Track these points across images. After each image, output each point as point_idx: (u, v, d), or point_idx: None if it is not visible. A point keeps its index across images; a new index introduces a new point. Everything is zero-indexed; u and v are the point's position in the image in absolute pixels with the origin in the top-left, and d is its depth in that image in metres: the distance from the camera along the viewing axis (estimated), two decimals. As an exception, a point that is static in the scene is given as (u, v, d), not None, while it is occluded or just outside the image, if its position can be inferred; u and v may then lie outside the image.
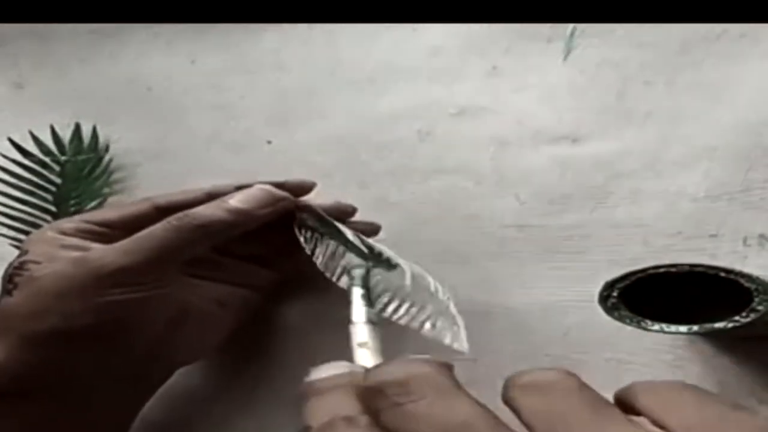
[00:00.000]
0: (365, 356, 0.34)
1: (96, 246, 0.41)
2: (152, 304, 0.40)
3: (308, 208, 0.44)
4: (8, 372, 0.39)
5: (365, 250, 0.42)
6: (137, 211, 0.43)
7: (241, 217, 0.42)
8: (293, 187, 0.45)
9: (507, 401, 0.23)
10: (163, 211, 0.43)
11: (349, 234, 0.43)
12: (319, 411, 0.23)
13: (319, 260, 0.42)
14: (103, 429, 0.42)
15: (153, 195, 0.44)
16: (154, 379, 0.44)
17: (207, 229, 0.41)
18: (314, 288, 0.48)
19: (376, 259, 0.42)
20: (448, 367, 0.24)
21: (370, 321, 0.37)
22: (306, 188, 0.46)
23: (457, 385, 0.23)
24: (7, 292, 0.40)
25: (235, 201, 0.42)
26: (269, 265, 0.47)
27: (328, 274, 0.42)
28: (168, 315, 0.42)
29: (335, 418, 0.22)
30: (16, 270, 0.40)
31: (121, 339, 0.40)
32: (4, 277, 0.41)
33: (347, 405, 0.23)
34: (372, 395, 0.22)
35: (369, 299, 0.38)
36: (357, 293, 0.39)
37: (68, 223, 0.43)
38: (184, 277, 0.43)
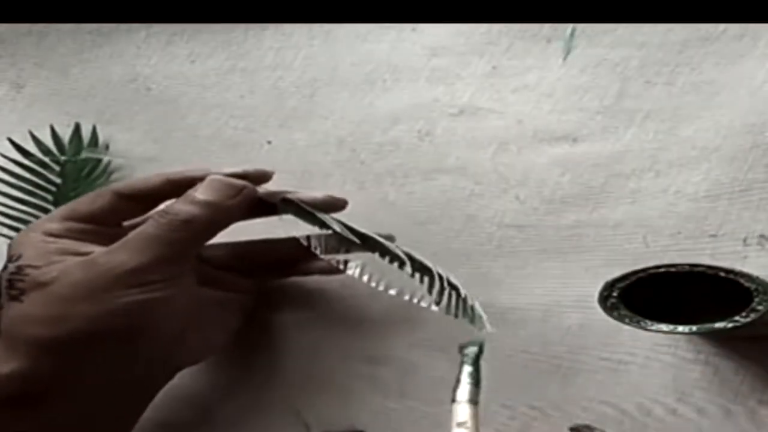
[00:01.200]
0: None
1: (95, 248, 0.41)
2: (166, 303, 0.40)
3: (289, 201, 0.44)
4: (23, 379, 0.38)
5: (356, 239, 0.43)
6: (103, 202, 0.43)
7: (212, 209, 0.41)
8: (254, 176, 0.45)
9: None
10: (128, 199, 0.43)
11: (335, 225, 0.43)
12: None
13: (318, 253, 0.43)
14: (110, 430, 0.42)
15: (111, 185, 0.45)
16: (161, 379, 0.44)
17: (192, 225, 0.41)
18: (311, 289, 0.48)
19: (368, 244, 0.43)
20: None
21: (473, 401, 0.37)
22: (266, 177, 0.46)
23: None
24: (14, 298, 0.39)
25: (200, 194, 0.42)
26: (246, 274, 0.47)
27: (333, 262, 0.42)
28: (180, 315, 0.42)
29: None
30: (15, 275, 0.40)
31: (139, 340, 0.40)
32: (3, 282, 0.40)
33: None
34: None
35: (477, 379, 0.39)
36: (466, 371, 0.39)
37: (50, 223, 0.42)
38: (189, 277, 0.43)
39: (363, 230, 0.43)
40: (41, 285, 0.39)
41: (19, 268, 0.40)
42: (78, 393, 0.39)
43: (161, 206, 0.43)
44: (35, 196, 0.54)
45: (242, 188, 0.43)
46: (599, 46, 0.48)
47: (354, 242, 0.42)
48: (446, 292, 0.42)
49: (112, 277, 0.39)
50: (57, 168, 0.55)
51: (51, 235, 0.41)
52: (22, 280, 0.39)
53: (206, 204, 0.41)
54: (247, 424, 0.48)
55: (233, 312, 0.46)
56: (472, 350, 0.40)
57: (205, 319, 0.44)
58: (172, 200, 0.42)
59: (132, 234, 0.40)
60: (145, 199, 0.44)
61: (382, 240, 0.43)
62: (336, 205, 0.46)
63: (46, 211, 0.54)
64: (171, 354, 0.42)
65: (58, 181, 0.55)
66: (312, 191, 0.45)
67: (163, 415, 0.48)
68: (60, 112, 0.57)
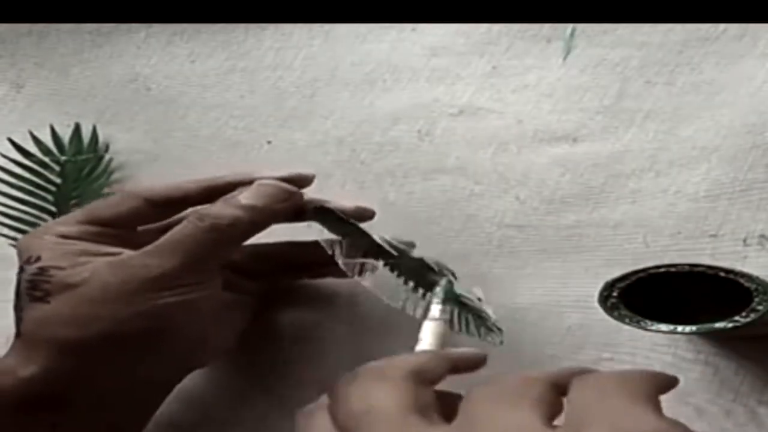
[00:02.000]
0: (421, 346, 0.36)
1: (116, 250, 0.41)
2: (196, 306, 0.40)
3: (326, 210, 0.43)
4: (45, 381, 0.38)
5: (393, 251, 0.43)
6: (130, 207, 0.43)
7: (256, 214, 0.41)
8: (294, 180, 0.45)
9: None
10: (157, 206, 0.43)
11: (375, 236, 0.43)
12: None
13: (339, 260, 0.42)
14: (127, 429, 0.42)
15: (137, 189, 0.44)
16: (176, 379, 0.45)
17: (234, 229, 0.41)
18: (317, 291, 0.48)
19: (404, 259, 0.43)
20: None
21: (441, 319, 0.38)
22: (306, 181, 0.46)
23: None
24: (39, 299, 0.39)
25: (246, 198, 0.41)
26: (261, 276, 0.47)
27: (349, 273, 0.42)
28: (205, 317, 0.42)
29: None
30: (37, 276, 0.39)
31: (164, 342, 0.40)
32: (23, 284, 0.40)
33: None
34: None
35: (446, 300, 0.39)
36: (439, 294, 0.40)
37: (65, 226, 0.42)
38: (217, 279, 0.43)
39: (398, 244, 0.44)
40: (70, 286, 0.39)
41: (42, 270, 0.39)
42: (97, 394, 0.39)
43: (188, 210, 0.43)
44: (35, 196, 0.54)
45: (293, 193, 0.43)
46: (599, 46, 0.48)
47: (391, 255, 0.43)
48: (464, 318, 0.42)
49: (145, 280, 0.39)
50: (57, 168, 0.55)
51: (66, 237, 0.41)
52: (47, 281, 0.39)
53: (252, 208, 0.41)
54: (247, 424, 0.48)
55: (243, 313, 0.46)
56: (444, 287, 0.41)
57: (223, 321, 0.44)
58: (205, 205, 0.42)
59: (168, 236, 0.40)
60: (176, 205, 0.43)
61: (417, 259, 0.43)
62: (365, 215, 0.46)
63: (46, 211, 0.54)
64: (192, 355, 0.43)
65: (58, 181, 0.55)
66: (341, 200, 0.45)
67: (161, 414, 0.49)
68: (60, 112, 0.57)
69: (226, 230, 0.40)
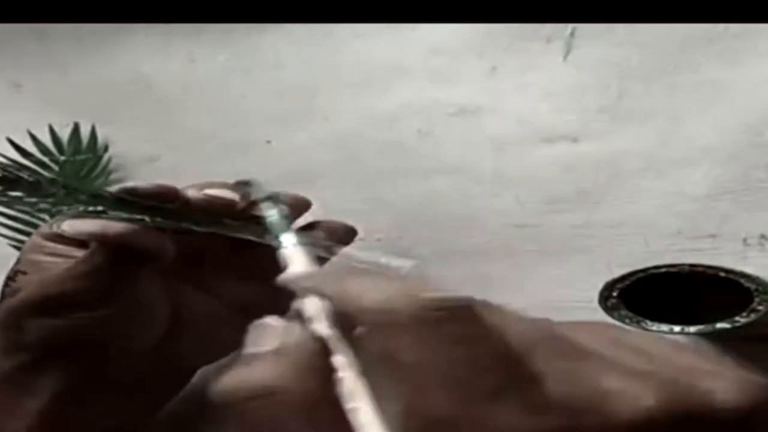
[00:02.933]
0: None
1: (70, 258, 0.41)
2: (123, 319, 0.40)
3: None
4: None
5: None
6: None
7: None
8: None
9: None
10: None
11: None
12: None
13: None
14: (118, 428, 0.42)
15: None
16: (169, 377, 0.44)
17: (129, 249, 0.39)
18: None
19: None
20: None
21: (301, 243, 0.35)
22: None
23: None
24: None
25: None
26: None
27: None
28: (155, 325, 0.41)
29: None
30: (7, 280, 0.40)
31: (110, 350, 0.40)
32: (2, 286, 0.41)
33: None
34: None
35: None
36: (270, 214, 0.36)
37: (49, 228, 0.43)
38: (163, 285, 0.42)
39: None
40: (15, 293, 0.40)
41: (15, 273, 0.40)
42: (78, 394, 0.40)
43: None
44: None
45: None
46: (599, 46, 0.48)
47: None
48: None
49: (49, 299, 0.39)
50: (56, 167, 0.55)
51: (46, 237, 0.42)
52: (9, 286, 0.40)
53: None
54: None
55: (260, 312, 0.45)
56: (263, 190, 0.37)
57: (208, 323, 0.43)
58: None
59: (82, 257, 0.40)
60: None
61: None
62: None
63: (45, 211, 0.54)
64: (167, 353, 0.42)
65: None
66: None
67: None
68: (59, 112, 0.57)
69: (124, 258, 0.39)
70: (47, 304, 0.39)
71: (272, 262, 0.47)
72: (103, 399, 0.41)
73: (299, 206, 0.44)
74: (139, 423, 0.43)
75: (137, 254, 0.41)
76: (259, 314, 0.48)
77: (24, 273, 0.40)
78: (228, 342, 0.47)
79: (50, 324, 0.39)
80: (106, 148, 0.56)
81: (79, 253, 0.42)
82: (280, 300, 0.49)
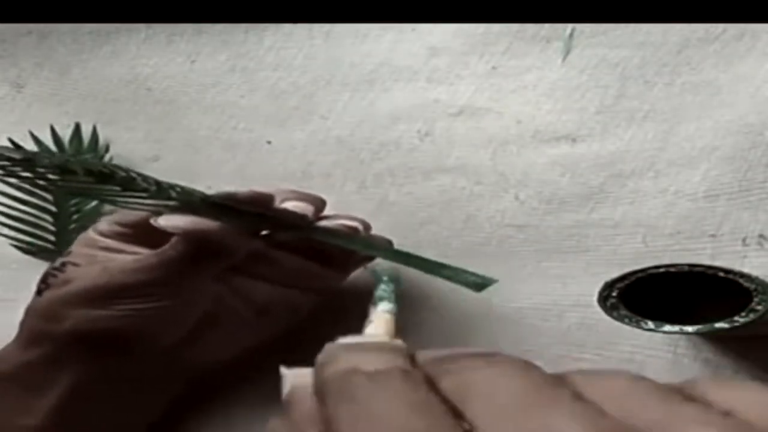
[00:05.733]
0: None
1: (139, 249, 0.42)
2: (169, 314, 0.41)
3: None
4: (38, 365, 0.40)
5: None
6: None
7: (242, 243, 0.41)
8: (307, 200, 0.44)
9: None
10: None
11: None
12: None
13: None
14: (125, 426, 0.43)
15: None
16: (179, 377, 0.45)
17: (211, 247, 0.40)
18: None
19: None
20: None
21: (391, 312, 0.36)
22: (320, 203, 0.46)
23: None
24: (38, 292, 0.42)
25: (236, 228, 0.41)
26: (332, 264, 0.45)
27: None
28: (189, 321, 0.42)
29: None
30: (52, 270, 0.42)
31: (137, 346, 0.41)
32: (41, 278, 0.42)
33: None
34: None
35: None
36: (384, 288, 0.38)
37: (105, 224, 0.44)
38: (212, 285, 0.43)
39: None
40: (65, 282, 0.41)
41: (62, 264, 0.42)
42: (91, 390, 0.41)
43: None
44: (35, 196, 0.54)
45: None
46: (599, 46, 0.48)
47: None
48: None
49: (117, 286, 0.40)
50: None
51: (101, 233, 0.43)
52: (55, 276, 0.41)
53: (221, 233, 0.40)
54: (246, 424, 0.48)
55: (274, 317, 0.44)
56: (388, 272, 0.39)
57: (228, 326, 0.43)
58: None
59: (156, 251, 0.41)
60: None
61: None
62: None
63: (46, 210, 0.54)
64: (178, 359, 0.43)
65: (58, 181, 0.55)
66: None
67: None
68: (60, 112, 0.57)
69: (202, 248, 0.40)
70: (105, 293, 0.40)
71: (299, 269, 0.47)
72: (113, 397, 0.42)
73: (317, 206, 0.45)
74: (145, 422, 0.44)
75: (215, 253, 0.42)
76: (277, 318, 0.49)
77: (76, 264, 0.41)
78: (243, 343, 0.48)
79: (93, 315, 0.40)
80: (107, 149, 0.56)
81: (133, 249, 0.42)
82: (300, 305, 0.49)
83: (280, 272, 0.44)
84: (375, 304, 0.37)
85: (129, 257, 0.41)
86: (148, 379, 0.43)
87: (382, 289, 0.38)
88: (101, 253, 0.42)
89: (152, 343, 0.41)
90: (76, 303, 0.40)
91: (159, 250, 0.41)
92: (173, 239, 0.40)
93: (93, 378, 0.41)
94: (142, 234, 0.42)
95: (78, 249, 0.43)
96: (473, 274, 0.42)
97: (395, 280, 0.40)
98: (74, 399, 0.41)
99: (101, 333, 0.40)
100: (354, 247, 0.43)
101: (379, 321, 0.35)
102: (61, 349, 0.40)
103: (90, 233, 0.44)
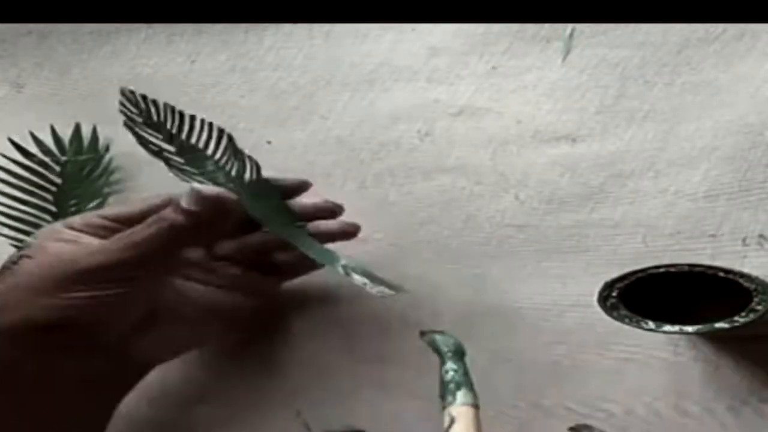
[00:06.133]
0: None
1: (85, 242, 0.41)
2: (121, 303, 0.40)
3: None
4: None
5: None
6: (150, 206, 0.43)
7: (192, 219, 0.41)
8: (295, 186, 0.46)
9: None
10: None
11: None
12: None
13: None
14: (75, 425, 0.42)
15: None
16: (127, 375, 0.45)
17: (173, 231, 0.41)
18: (316, 293, 0.48)
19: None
20: None
21: (474, 405, 0.35)
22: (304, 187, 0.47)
23: None
24: None
25: (184, 201, 0.42)
26: (271, 272, 0.47)
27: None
28: (138, 314, 0.42)
29: None
30: (9, 263, 0.41)
31: (86, 336, 0.40)
32: None
33: None
34: None
35: (470, 380, 0.36)
36: (455, 370, 0.36)
37: (79, 218, 0.43)
38: (165, 278, 0.43)
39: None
40: (16, 274, 0.40)
41: (20, 257, 0.41)
42: (45, 383, 0.40)
43: None
44: (35, 196, 0.54)
45: (216, 197, 0.42)
46: (599, 46, 0.48)
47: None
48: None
49: (66, 274, 0.40)
50: (57, 168, 0.55)
51: (69, 226, 0.42)
52: (10, 268, 0.41)
53: (188, 213, 0.41)
54: (247, 424, 0.48)
55: (223, 316, 0.45)
56: (449, 343, 0.38)
57: (179, 320, 0.44)
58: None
59: (118, 234, 0.41)
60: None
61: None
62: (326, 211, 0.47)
63: (46, 210, 0.54)
64: (130, 351, 0.43)
65: (58, 181, 0.55)
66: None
67: (160, 414, 0.49)
68: (60, 112, 0.57)
69: (167, 233, 0.40)
70: (59, 281, 0.40)
71: (237, 277, 0.49)
72: (50, 393, 0.41)
73: (297, 189, 0.47)
74: (90, 423, 0.43)
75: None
76: (228, 322, 0.49)
77: (30, 257, 0.41)
78: (186, 344, 0.48)
79: (42, 303, 0.39)
80: (107, 149, 0.56)
81: (88, 239, 0.42)
82: (243, 308, 0.50)
83: (218, 280, 0.45)
84: (449, 393, 0.34)
85: (93, 241, 0.41)
86: (90, 378, 0.42)
87: (453, 370, 0.36)
88: (55, 246, 0.41)
89: (97, 336, 0.41)
90: (26, 292, 0.40)
91: (134, 229, 0.41)
92: (168, 208, 0.41)
93: (28, 373, 0.41)
94: (117, 228, 0.42)
95: (36, 242, 0.42)
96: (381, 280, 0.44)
97: (459, 351, 0.37)
98: (15, 396, 0.40)
99: (50, 323, 0.40)
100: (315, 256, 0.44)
101: (464, 420, 0.31)
102: (2, 343, 0.40)
103: (55, 226, 0.43)
